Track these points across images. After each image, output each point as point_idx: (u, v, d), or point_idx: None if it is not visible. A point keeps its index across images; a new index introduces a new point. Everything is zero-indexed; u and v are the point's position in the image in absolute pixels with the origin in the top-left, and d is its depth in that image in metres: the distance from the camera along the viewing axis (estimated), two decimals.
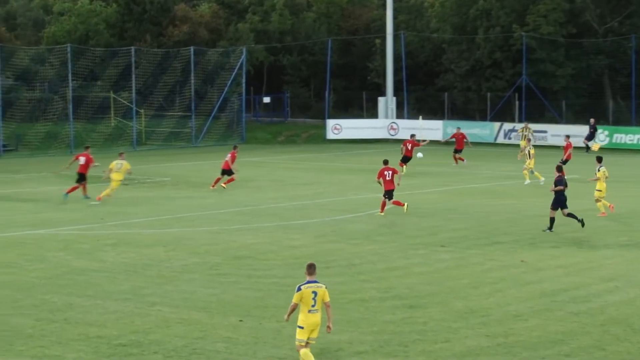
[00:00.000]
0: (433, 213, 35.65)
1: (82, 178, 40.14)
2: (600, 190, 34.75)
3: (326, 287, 16.66)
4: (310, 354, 16.41)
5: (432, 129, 71.24)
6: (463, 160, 54.30)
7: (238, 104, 77.22)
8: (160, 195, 40.95)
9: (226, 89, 76.55)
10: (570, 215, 31.42)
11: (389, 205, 35.37)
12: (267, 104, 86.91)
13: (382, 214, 35.04)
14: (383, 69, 78.77)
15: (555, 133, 67.66)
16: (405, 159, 49.92)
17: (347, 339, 18.67)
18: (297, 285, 16.54)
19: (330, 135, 73.82)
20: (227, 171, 43.19)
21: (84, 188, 39.94)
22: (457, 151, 55.21)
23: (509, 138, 68.46)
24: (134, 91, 71.51)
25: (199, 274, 24.79)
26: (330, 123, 74.40)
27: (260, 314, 20.48)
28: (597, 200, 34.85)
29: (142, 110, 73.79)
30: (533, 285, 23.47)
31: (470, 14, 77.84)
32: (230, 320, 20.03)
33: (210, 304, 21.54)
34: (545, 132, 67.43)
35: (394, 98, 76.03)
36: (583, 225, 31.34)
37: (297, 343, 16.55)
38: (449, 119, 75.67)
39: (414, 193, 41.78)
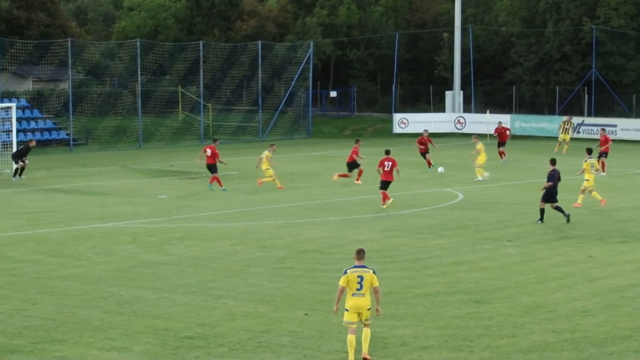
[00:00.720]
0: (500, 208, 35.38)
1: (211, 169, 41.09)
2: (588, 180, 35.04)
3: (374, 272, 16.96)
4: (366, 335, 16.85)
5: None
6: (504, 155, 52.44)
7: (305, 98, 77.37)
8: (227, 189, 41.17)
9: (293, 83, 76.73)
10: (557, 208, 31.54)
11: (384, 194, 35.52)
12: (333, 98, 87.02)
13: (385, 206, 35.08)
14: (450, 62, 78.33)
15: (625, 127, 66.75)
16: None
17: (412, 333, 18.61)
18: (344, 269, 16.97)
19: (397, 129, 73.63)
20: (351, 164, 43.57)
21: (218, 180, 40.84)
22: (500, 144, 53.29)
23: (579, 132, 67.64)
24: (201, 85, 72.03)
25: (265, 268, 24.89)
26: (397, 117, 74.18)
27: (326, 308, 20.49)
28: (583, 191, 35.04)
29: (209, 105, 74.30)
30: (601, 281, 23.19)
31: (540, 7, 77.08)
32: (295, 314, 20.09)
33: (275, 297, 21.62)
34: (615, 126, 66.50)
35: (462, 92, 75.58)
36: (568, 220, 31.31)
37: (344, 325, 17.04)
38: (516, 112, 75.08)
39: (481, 187, 41.51)
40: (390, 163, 35.67)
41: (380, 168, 35.69)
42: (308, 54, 76.81)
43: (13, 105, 53.38)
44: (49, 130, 66.57)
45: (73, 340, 18.22)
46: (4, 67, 67.90)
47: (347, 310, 16.89)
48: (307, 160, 53.23)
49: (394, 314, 19.97)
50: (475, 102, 77.32)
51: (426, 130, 51.36)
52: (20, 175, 45.52)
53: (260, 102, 74.41)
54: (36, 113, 68.07)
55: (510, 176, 45.83)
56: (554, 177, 31.55)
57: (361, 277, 16.78)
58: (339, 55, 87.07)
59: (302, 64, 76.74)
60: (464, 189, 40.77)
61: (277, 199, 38.18)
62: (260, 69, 74.67)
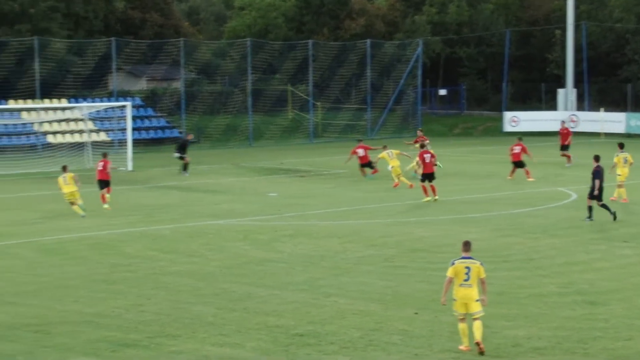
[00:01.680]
0: (615, 208, 34.59)
1: (366, 166, 44.07)
2: (620, 175, 35.69)
3: (481, 264, 17.37)
4: (478, 326, 17.16)
5: (614, 121, 69.41)
6: (569, 157, 49.14)
7: (414, 97, 77.11)
8: (336, 187, 41.29)
9: (402, 81, 76.56)
10: (603, 205, 31.52)
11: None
12: (442, 96, 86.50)
13: (428, 199, 36.39)
14: (563, 60, 77.12)
15: None
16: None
17: (525, 334, 18.35)
18: (451, 260, 17.52)
19: (508, 127, 72.82)
20: (518, 163, 43.71)
21: (373, 171, 44.24)
22: (563, 148, 49.95)
23: None
24: (310, 84, 72.39)
25: (375, 266, 24.86)
26: (508, 115, 73.37)
27: (436, 307, 20.33)
28: (619, 186, 35.62)
29: (318, 103, 74.62)
30: None
31: None
32: (405, 313, 20.01)
33: (385, 296, 21.57)
34: None
35: (574, 90, 74.34)
36: (615, 218, 31.28)
37: (454, 314, 17.56)
38: (632, 111, 73.47)
39: None
40: (429, 155, 37.17)
41: (421, 160, 37.20)
42: (417, 52, 76.52)
43: (128, 104, 54.53)
44: (162, 128, 67.75)
45: (187, 335, 18.47)
46: (119, 67, 69.35)
47: (454, 299, 17.38)
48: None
49: (506, 315, 19.72)
50: (589, 100, 75.94)
51: (420, 130, 49.85)
52: (185, 170, 46.84)
53: (369, 100, 74.44)
54: (150, 111, 69.33)
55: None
56: (599, 173, 31.31)
57: (468, 268, 17.24)
58: (449, 53, 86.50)
59: (411, 62, 76.50)
60: (576, 188, 40.04)
61: (387, 198, 38.12)
62: (369, 67, 74.69)
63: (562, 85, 75.92)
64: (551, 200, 36.81)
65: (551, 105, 77.23)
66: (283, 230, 30.47)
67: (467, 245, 17.65)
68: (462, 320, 17.34)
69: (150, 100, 71.00)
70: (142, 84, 75.97)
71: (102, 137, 61.38)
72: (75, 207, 33.48)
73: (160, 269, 24.66)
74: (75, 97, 65.37)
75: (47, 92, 63.44)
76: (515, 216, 32.94)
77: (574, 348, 17.46)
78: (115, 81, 67.07)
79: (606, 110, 69.40)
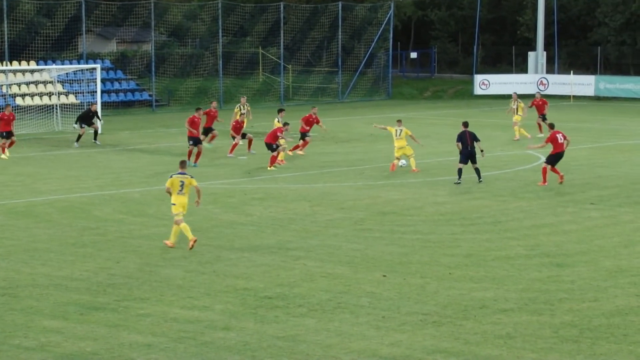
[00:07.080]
0: (583, 170, 34.92)
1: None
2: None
3: (192, 177, 22.66)
4: (186, 227, 22.45)
5: (583, 84, 69.71)
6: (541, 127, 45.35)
7: (385, 60, 77.03)
8: (307, 150, 41.27)
9: (373, 44, 76.41)
10: (476, 170, 32.23)
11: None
12: (414, 59, 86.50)
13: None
14: (534, 23, 77.18)
15: None
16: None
17: (492, 296, 18.52)
18: (170, 174, 22.91)
19: (478, 90, 72.95)
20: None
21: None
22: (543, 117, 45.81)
23: None
24: (282, 47, 72.11)
25: (344, 229, 24.95)
26: (478, 78, 73.47)
27: (404, 269, 20.51)
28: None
29: (289, 66, 74.41)
30: None
31: None
32: (374, 275, 20.13)
33: (354, 258, 21.68)
34: None
35: (545, 53, 74.51)
36: (480, 181, 32.06)
37: (174, 217, 22.57)
38: (601, 74, 73.78)
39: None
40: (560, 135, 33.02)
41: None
42: (388, 15, 76.33)
43: (98, 66, 54.12)
44: (132, 91, 67.34)
45: (155, 298, 18.50)
46: (89, 29, 68.72)
47: (173, 204, 22.51)
48: (387, 122, 52.99)
49: (473, 277, 19.89)
50: (559, 63, 76.15)
51: (314, 107, 45.25)
52: (95, 139, 44.54)
53: (340, 63, 74.28)
54: (120, 74, 68.86)
55: (593, 138, 45.14)
56: (461, 137, 32.10)
57: (182, 182, 22.43)
58: (420, 16, 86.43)
59: (382, 25, 76.33)
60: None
61: (356, 161, 38.18)
62: (340, 30, 74.46)
63: (533, 48, 76.06)
64: (520, 163, 37.04)
65: (522, 68, 77.47)
66: (253, 194, 30.49)
67: (183, 164, 23.03)
68: (178, 222, 22.34)
69: (120, 62, 70.49)
70: (112, 47, 75.36)
71: (72, 99, 60.92)
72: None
73: (129, 233, 24.65)
74: (44, 59, 64.82)
75: (16, 54, 62.86)
76: (484, 179, 33.07)
77: (541, 309, 17.64)
78: (85, 43, 66.52)
79: (576, 73, 69.64)
